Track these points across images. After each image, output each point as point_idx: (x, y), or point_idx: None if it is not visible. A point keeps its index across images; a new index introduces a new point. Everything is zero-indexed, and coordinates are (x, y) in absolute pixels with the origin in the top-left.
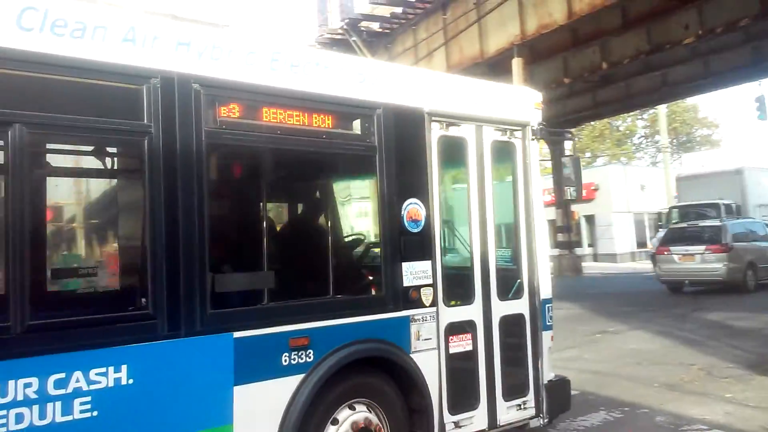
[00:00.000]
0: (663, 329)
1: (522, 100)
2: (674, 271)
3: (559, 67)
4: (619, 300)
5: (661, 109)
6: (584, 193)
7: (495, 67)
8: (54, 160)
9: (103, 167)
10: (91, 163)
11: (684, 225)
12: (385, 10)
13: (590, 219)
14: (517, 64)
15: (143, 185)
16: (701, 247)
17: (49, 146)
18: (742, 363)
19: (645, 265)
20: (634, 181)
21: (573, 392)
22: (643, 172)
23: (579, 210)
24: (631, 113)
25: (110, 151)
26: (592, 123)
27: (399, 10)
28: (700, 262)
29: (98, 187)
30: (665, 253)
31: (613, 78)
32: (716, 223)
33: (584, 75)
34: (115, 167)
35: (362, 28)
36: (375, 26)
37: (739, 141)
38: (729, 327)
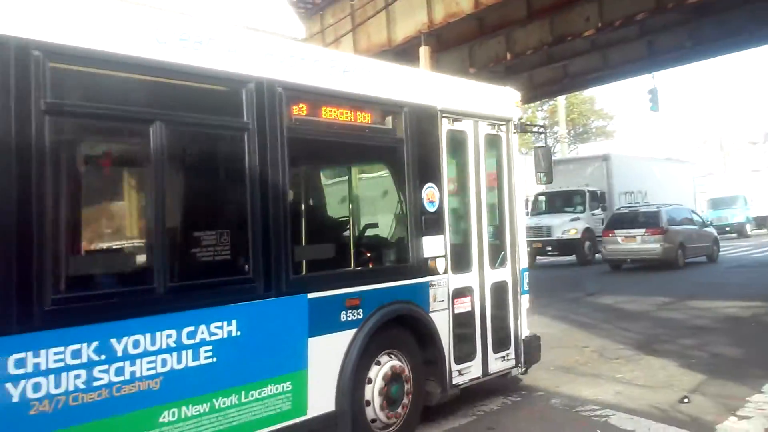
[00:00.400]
0: (559, 313)
1: (506, 99)
2: (618, 251)
3: (465, 57)
4: None
5: (561, 101)
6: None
7: (402, 55)
8: (182, 151)
9: (213, 158)
10: (204, 154)
11: (626, 210)
12: None
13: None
14: (424, 52)
15: (244, 174)
16: (641, 230)
17: (180, 140)
18: (631, 344)
19: None
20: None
21: None
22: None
23: None
24: (532, 104)
25: (220, 143)
26: None
27: None
28: (641, 242)
29: (212, 176)
30: (610, 235)
31: (517, 68)
32: (654, 209)
33: (489, 65)
34: (224, 158)
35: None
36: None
37: (633, 132)
38: (620, 310)
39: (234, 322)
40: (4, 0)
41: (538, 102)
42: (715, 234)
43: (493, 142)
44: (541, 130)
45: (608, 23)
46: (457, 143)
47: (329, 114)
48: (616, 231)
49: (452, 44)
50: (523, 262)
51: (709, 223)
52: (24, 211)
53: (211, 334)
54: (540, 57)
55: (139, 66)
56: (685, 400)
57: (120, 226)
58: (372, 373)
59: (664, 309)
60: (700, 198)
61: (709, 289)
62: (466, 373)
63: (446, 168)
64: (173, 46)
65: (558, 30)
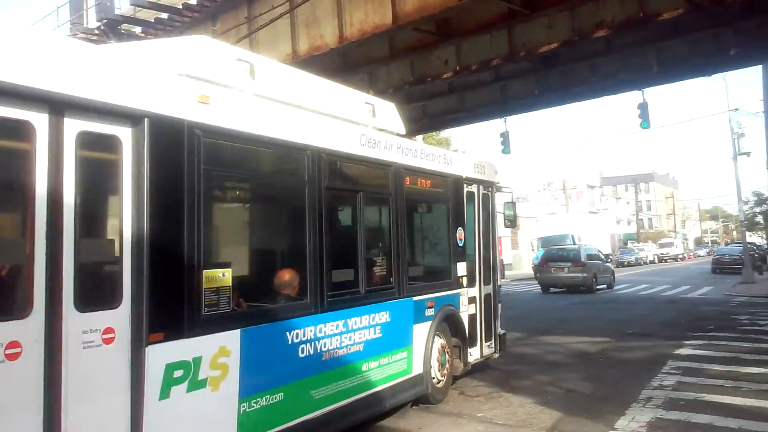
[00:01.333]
0: None
1: (492, 169)
2: (551, 278)
3: None
4: None
5: (419, 140)
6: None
7: None
8: (369, 211)
9: (376, 215)
10: (374, 213)
11: (556, 249)
12: (150, 14)
13: None
14: None
15: (389, 224)
16: (569, 263)
17: (368, 202)
18: (490, 381)
19: None
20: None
21: None
22: None
23: None
24: None
25: (382, 205)
26: None
27: (165, 15)
28: (568, 272)
29: (376, 227)
30: (545, 266)
31: None
32: (576, 248)
33: None
34: (384, 215)
35: (122, 31)
36: (137, 30)
37: None
38: None
39: (388, 312)
40: (303, 123)
41: None
42: (613, 268)
43: (486, 198)
44: (510, 189)
45: (465, 67)
46: (469, 200)
47: (418, 182)
48: (549, 264)
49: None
50: (499, 281)
51: (608, 259)
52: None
53: (380, 318)
54: (401, 96)
55: (354, 158)
56: None
57: (356, 257)
58: (436, 342)
59: (519, 345)
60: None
61: (557, 325)
62: (474, 355)
63: (466, 217)
64: (365, 147)
65: (418, 71)
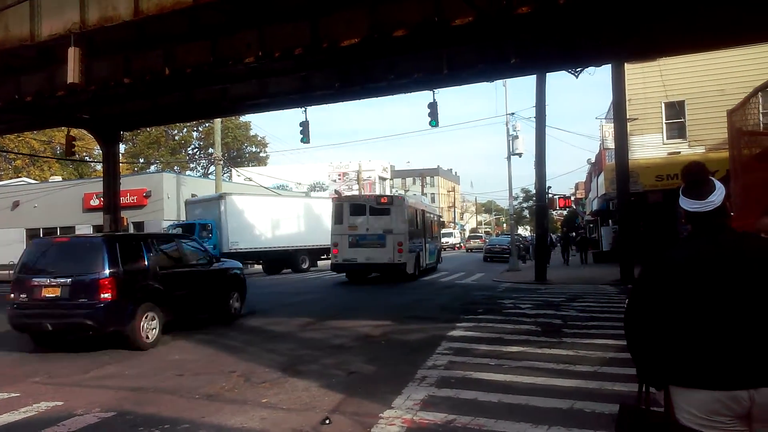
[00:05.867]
0: (207, 338)
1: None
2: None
3: (121, 65)
4: None
5: (217, 123)
6: (134, 199)
7: (47, 53)
8: None
9: None
10: None
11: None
12: None
13: (139, 226)
14: (73, 54)
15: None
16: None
17: None
18: (277, 366)
19: None
20: (186, 191)
21: (110, 413)
22: (196, 182)
23: (128, 216)
24: (188, 124)
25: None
26: (149, 129)
27: None
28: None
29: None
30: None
31: (176, 85)
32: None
33: (146, 78)
34: None
35: None
36: None
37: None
38: (268, 332)
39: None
40: None
41: (195, 122)
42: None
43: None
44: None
45: (268, 53)
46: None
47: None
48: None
49: (107, 50)
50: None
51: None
52: None
53: None
54: (200, 76)
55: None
56: (327, 422)
57: None
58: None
59: (308, 330)
60: None
61: (346, 310)
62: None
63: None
64: (425, 205)
65: (220, 52)
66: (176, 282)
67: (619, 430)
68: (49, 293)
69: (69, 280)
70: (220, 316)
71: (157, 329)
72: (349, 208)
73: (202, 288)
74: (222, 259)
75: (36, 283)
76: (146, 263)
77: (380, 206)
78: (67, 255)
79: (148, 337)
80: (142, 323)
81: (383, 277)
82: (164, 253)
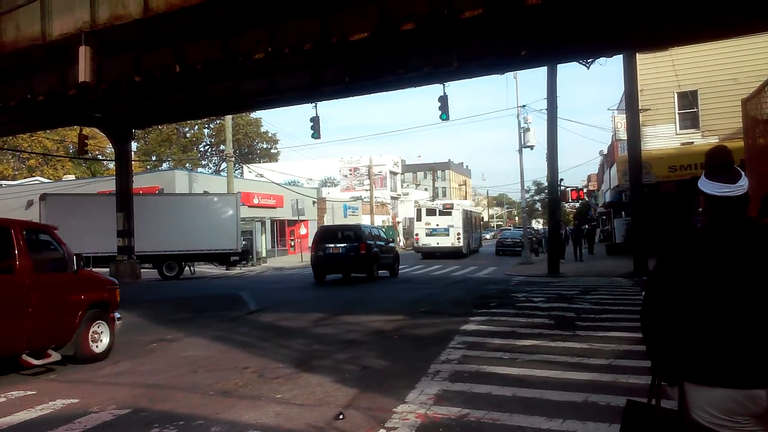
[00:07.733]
0: (219, 334)
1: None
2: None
3: (131, 63)
4: (177, 306)
5: (228, 120)
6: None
7: (58, 52)
8: None
9: None
10: None
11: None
12: None
13: None
14: (84, 53)
15: None
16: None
17: None
18: (290, 362)
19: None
20: (198, 188)
21: (125, 410)
22: (208, 180)
23: None
24: (199, 121)
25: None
26: (160, 127)
27: None
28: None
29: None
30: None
31: (187, 83)
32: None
33: (157, 75)
34: None
35: None
36: None
37: (299, 154)
38: (280, 328)
39: None
40: None
41: (206, 120)
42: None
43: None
44: None
45: (277, 49)
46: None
47: (470, 215)
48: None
49: (118, 48)
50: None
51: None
52: None
53: None
54: (210, 73)
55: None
56: (340, 417)
57: None
58: None
59: (320, 325)
60: None
61: (356, 306)
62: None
63: None
64: (472, 209)
65: (230, 49)
66: None
67: (626, 425)
68: None
69: None
70: None
71: None
72: (425, 211)
73: None
74: None
75: None
76: None
77: (445, 210)
78: None
79: None
80: None
81: (387, 278)
82: None
